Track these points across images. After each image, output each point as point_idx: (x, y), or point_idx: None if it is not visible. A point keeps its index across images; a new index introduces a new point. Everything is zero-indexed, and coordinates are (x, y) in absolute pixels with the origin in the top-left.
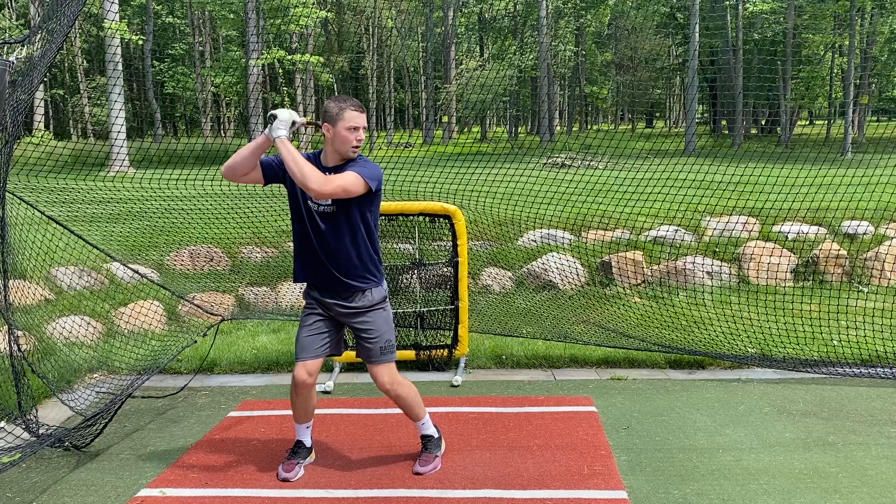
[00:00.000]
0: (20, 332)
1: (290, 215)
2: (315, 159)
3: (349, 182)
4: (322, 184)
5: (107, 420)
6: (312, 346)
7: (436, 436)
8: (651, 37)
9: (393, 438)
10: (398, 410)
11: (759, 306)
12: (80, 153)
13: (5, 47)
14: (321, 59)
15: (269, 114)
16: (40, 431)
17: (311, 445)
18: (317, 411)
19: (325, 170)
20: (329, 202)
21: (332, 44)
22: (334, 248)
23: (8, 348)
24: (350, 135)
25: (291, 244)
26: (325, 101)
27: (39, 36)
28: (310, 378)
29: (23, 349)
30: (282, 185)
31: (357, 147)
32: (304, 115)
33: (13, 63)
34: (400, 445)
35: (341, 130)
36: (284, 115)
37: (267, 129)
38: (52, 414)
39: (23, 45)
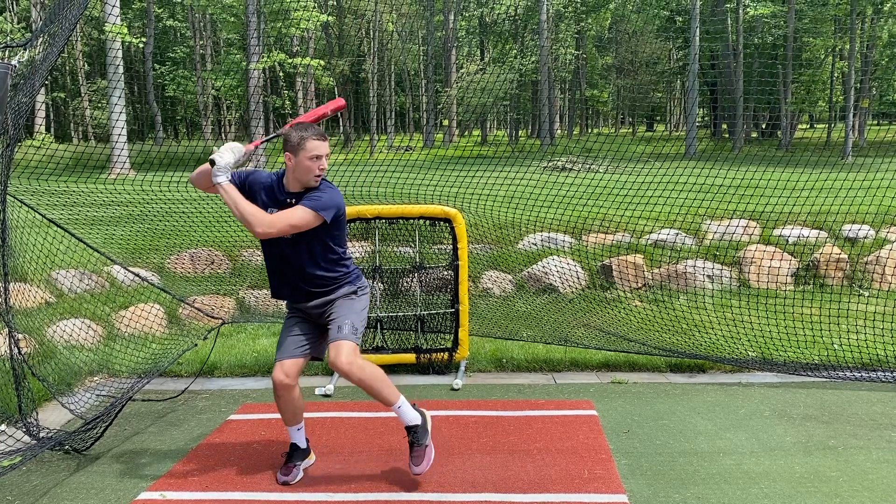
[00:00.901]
0: (20, 335)
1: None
2: (279, 181)
3: (297, 218)
4: (267, 225)
5: (107, 423)
6: (290, 347)
7: (419, 422)
8: (652, 40)
9: (393, 442)
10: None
11: (760, 310)
12: (80, 156)
13: (8, 51)
14: (322, 63)
15: (209, 157)
16: (41, 435)
17: (307, 447)
18: (318, 414)
19: (288, 195)
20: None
21: (333, 47)
22: (301, 270)
23: (8, 351)
24: (313, 164)
25: None
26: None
27: (41, 39)
28: (287, 379)
29: (23, 352)
30: None
31: (319, 175)
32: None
33: (15, 66)
34: (400, 449)
35: (303, 160)
36: (224, 160)
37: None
38: (53, 417)
39: (25, 49)
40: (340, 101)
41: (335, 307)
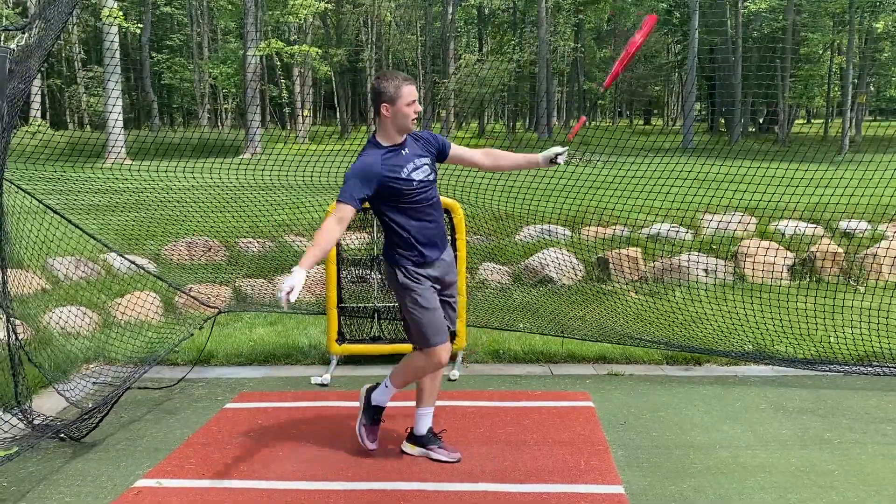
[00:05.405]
0: (18, 322)
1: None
2: (374, 142)
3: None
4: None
5: (104, 413)
6: (444, 327)
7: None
8: (650, 34)
9: (391, 432)
10: (395, 403)
11: (756, 303)
12: (76, 143)
13: (5, 34)
14: (319, 51)
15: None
16: (35, 422)
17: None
18: (313, 404)
19: (385, 149)
20: (418, 181)
21: (331, 36)
22: (436, 225)
23: (6, 338)
24: (409, 109)
25: (292, 237)
26: (372, 82)
27: (37, 24)
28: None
29: (20, 339)
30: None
31: (416, 119)
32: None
33: (13, 51)
34: (397, 439)
35: (402, 107)
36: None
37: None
38: (48, 404)
39: (23, 33)
40: (650, 20)
41: (456, 282)
